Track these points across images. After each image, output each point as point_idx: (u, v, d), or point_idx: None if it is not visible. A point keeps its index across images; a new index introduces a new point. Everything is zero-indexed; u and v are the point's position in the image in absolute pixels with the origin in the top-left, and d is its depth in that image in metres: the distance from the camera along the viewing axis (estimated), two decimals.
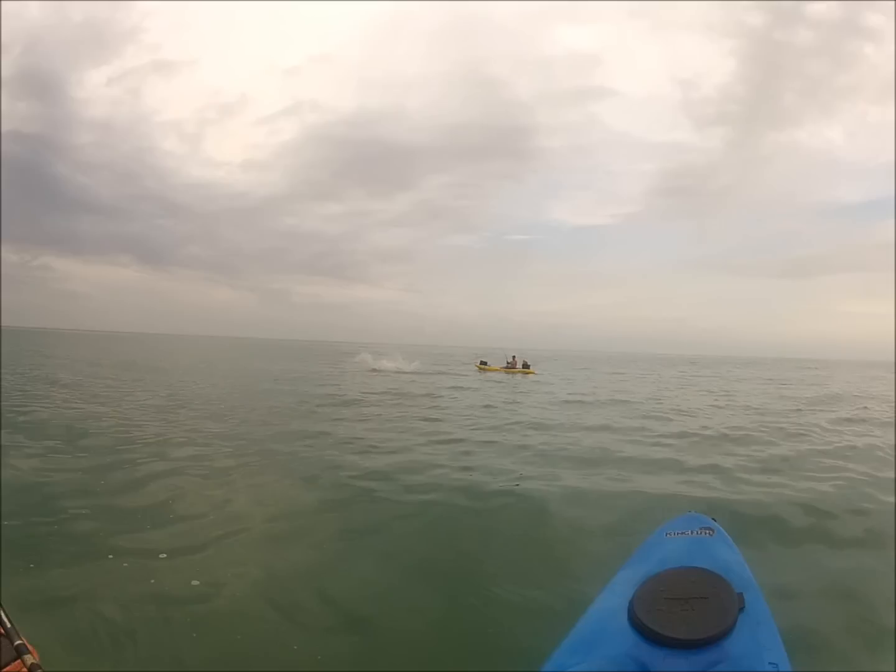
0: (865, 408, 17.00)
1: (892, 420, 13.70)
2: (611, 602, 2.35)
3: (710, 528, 2.70)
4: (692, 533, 2.69)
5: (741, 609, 2.09)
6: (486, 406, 15.03)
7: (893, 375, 40.35)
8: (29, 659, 1.49)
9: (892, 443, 9.85)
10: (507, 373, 34.03)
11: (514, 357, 36.25)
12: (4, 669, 1.51)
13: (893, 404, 18.15)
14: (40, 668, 1.51)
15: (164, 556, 4.33)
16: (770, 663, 1.89)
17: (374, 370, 30.92)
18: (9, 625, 1.57)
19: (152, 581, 3.88)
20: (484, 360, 39.35)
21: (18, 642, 1.53)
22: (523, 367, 34.83)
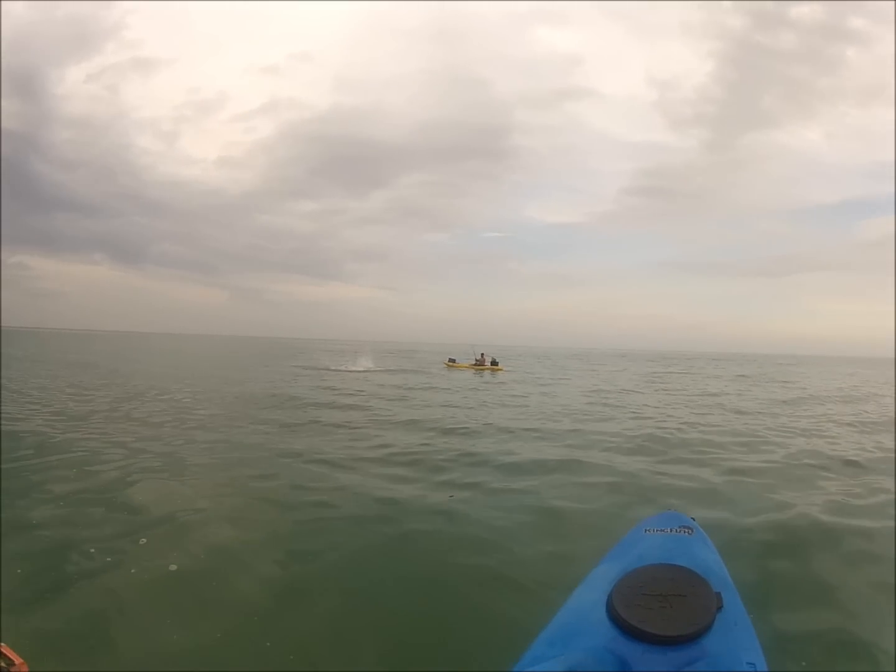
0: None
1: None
2: (589, 595, 2.38)
3: (688, 527, 2.75)
4: (671, 531, 2.74)
5: (719, 608, 2.14)
6: (443, 406, 14.92)
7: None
8: (8, 664, 1.47)
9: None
10: (476, 370, 33.84)
11: (482, 354, 36.00)
12: None
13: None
14: None
15: (144, 540, 4.50)
16: (748, 663, 1.93)
17: (345, 370, 30.50)
18: None
19: (133, 571, 4.00)
20: (452, 357, 39.36)
21: None
22: (492, 365, 34.66)
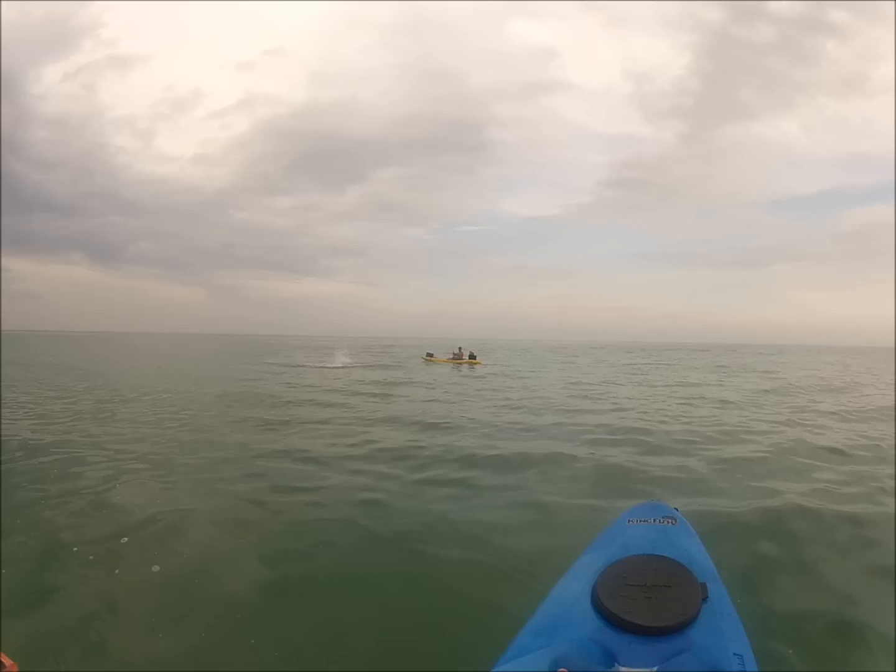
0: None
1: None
2: (573, 586, 2.39)
3: (672, 518, 2.77)
4: (655, 521, 2.75)
5: (704, 599, 2.15)
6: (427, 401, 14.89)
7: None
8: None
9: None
10: (454, 364, 34.02)
11: (460, 348, 36.26)
12: None
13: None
14: None
15: (126, 539, 4.47)
16: (735, 654, 1.93)
17: (323, 366, 30.17)
18: None
19: (117, 571, 3.97)
20: (430, 352, 39.47)
21: None
22: (470, 358, 34.94)
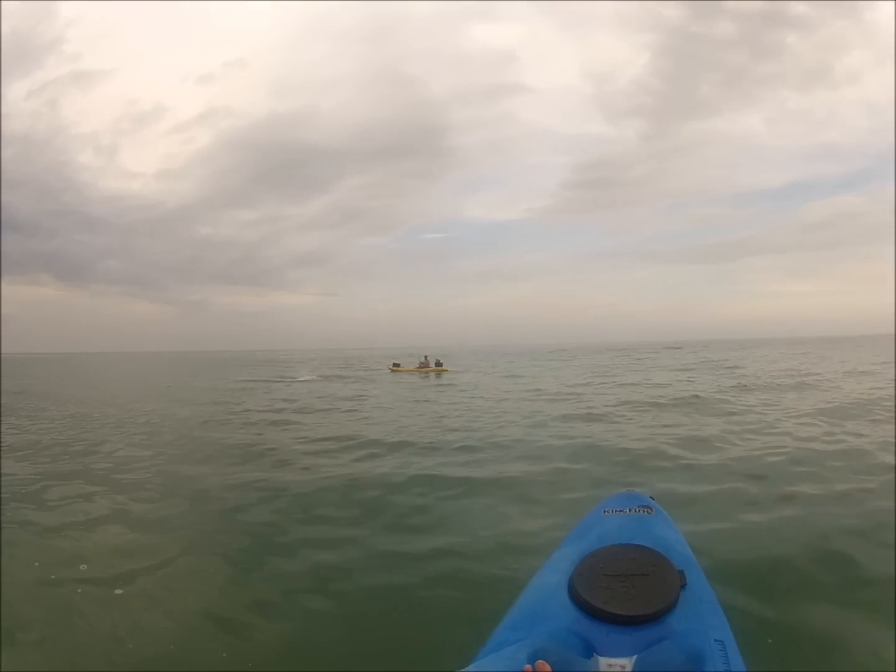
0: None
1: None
2: (551, 578, 2.35)
3: (648, 507, 2.74)
4: (630, 511, 2.72)
5: (683, 586, 2.13)
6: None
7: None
8: None
9: None
10: (421, 373, 34.08)
11: (426, 357, 36.48)
12: None
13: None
14: None
15: (85, 566, 4.39)
16: (715, 640, 1.91)
17: (291, 380, 30.02)
18: None
19: (79, 591, 3.91)
20: (397, 361, 39.25)
21: None
22: (436, 366, 35.11)
